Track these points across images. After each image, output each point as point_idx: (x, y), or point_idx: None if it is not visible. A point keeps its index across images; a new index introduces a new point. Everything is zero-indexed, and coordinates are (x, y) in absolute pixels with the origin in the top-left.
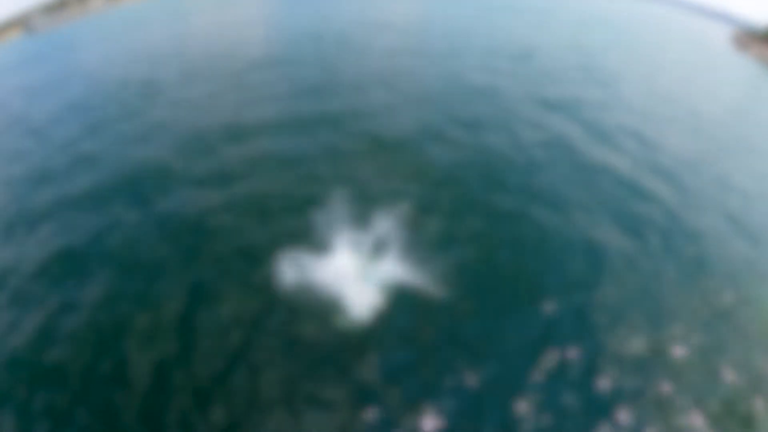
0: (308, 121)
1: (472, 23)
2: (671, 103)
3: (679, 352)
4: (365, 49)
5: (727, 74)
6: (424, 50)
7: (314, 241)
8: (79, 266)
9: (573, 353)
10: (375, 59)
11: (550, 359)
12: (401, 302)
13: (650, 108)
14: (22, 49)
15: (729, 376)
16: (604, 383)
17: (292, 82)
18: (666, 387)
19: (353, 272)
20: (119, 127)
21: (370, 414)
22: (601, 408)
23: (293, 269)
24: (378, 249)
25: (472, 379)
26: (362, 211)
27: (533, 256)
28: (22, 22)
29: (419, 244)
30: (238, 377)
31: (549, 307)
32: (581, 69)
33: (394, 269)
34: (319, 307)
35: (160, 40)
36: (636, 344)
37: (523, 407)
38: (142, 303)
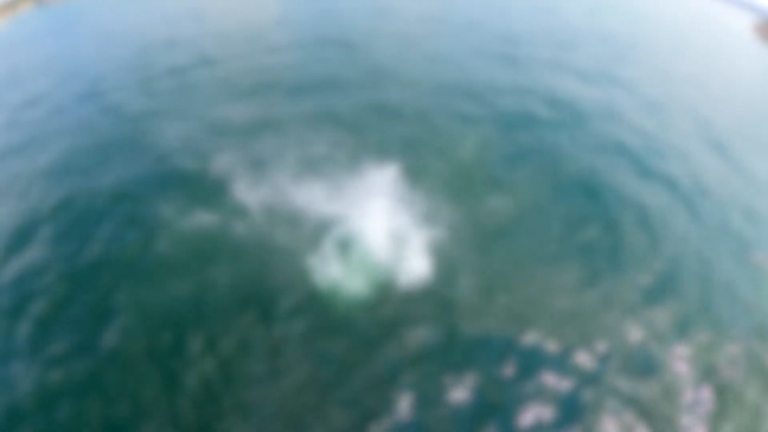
0: None
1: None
2: (688, 93)
3: None
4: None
5: (748, 65)
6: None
7: None
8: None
9: None
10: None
11: None
12: None
13: (665, 100)
14: (35, 23)
15: None
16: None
17: None
18: None
19: None
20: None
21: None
22: None
23: None
24: None
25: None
26: None
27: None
28: None
29: None
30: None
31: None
32: (596, 56)
33: None
34: None
35: (177, 10)
36: None
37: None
38: None
